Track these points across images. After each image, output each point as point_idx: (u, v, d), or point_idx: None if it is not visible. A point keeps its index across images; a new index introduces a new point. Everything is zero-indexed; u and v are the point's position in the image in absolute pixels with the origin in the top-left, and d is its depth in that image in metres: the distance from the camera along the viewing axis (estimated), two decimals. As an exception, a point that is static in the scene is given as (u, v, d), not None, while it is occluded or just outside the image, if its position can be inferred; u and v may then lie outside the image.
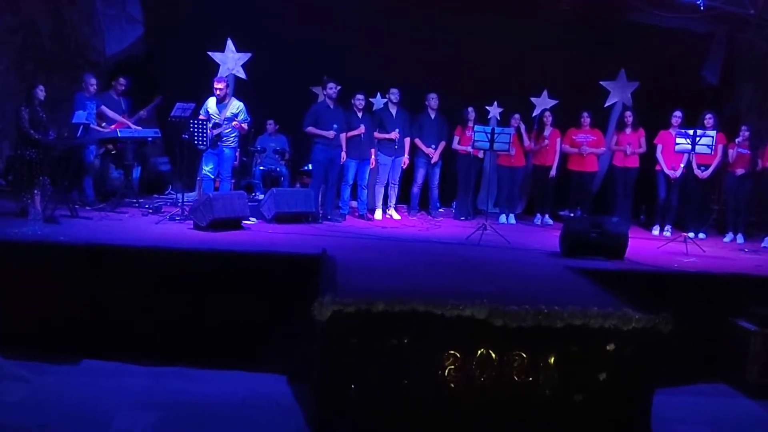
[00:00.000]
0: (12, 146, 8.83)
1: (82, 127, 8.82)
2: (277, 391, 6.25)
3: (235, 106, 9.49)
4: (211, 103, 9.43)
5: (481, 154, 10.74)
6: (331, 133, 9.62)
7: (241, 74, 11.75)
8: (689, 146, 9.00)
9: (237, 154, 10.15)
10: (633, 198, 10.84)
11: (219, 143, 9.33)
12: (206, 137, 9.04)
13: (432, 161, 10.80)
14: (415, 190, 11.00)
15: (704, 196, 10.45)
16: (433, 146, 10.74)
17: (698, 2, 10.25)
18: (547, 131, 10.86)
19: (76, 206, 8.85)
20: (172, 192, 11.43)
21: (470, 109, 10.94)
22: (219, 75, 11.06)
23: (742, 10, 10.49)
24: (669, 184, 10.32)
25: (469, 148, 10.31)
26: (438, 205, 11.16)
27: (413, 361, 5.13)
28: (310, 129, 9.73)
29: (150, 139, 10.15)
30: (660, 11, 10.89)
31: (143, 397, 5.96)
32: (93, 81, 9.67)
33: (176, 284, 6.78)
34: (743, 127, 10.02)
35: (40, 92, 8.51)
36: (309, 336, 5.52)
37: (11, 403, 5.62)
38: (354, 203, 10.50)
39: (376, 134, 10.36)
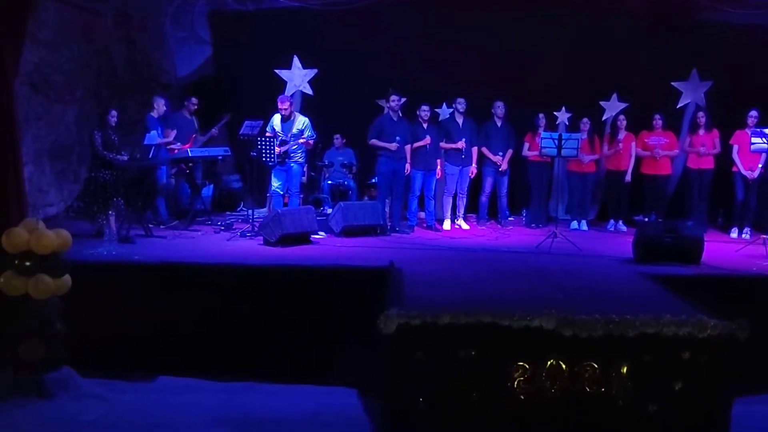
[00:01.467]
0: (88, 169, 9.08)
1: (154, 147, 9.06)
2: (347, 404, 6.29)
3: (301, 122, 9.59)
4: (277, 120, 9.56)
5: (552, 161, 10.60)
6: (393, 145, 9.62)
7: (308, 90, 11.87)
8: (765, 145, 8.71)
9: (305, 169, 10.26)
10: (709, 200, 10.52)
11: (287, 159, 9.45)
12: (274, 154, 9.17)
13: (500, 169, 10.70)
14: (484, 199, 10.92)
15: (784, 196, 10.10)
16: (501, 154, 10.65)
17: (770, -4, 9.92)
18: (621, 135, 10.65)
19: (150, 225, 9.05)
20: (243, 209, 11.62)
21: (541, 115, 10.80)
22: (286, 91, 11.22)
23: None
24: (747, 185, 10.01)
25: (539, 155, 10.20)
26: (507, 213, 11.05)
27: (481, 373, 5.06)
28: (374, 141, 9.77)
29: (220, 157, 10.33)
30: (731, 8, 10.57)
31: (216, 412, 6.06)
32: (162, 102, 9.91)
33: (247, 300, 6.89)
34: (823, 124, 9.65)
35: (112, 118, 8.85)
36: (378, 349, 5.52)
37: (89, 421, 5.78)
38: (422, 214, 10.48)
39: (443, 144, 10.32)
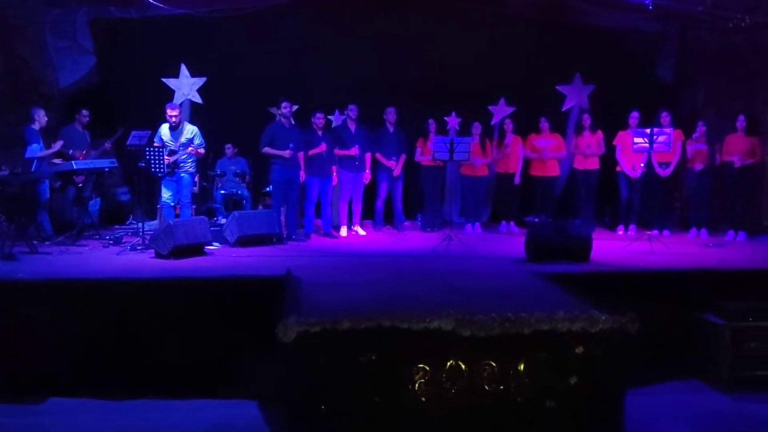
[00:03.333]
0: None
1: (36, 161, 8.69)
2: (248, 415, 6.17)
3: (190, 131, 9.38)
4: (165, 130, 9.32)
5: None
6: (287, 153, 9.53)
7: (197, 99, 11.68)
8: (647, 145, 9.06)
9: (196, 179, 10.06)
10: (596, 200, 10.89)
11: (176, 170, 9.23)
12: (163, 164, 8.94)
13: (394, 175, 10.77)
14: (379, 204, 10.97)
15: (666, 193, 10.57)
16: (394, 159, 10.72)
17: (646, 1, 10.34)
18: (509, 138, 10.89)
19: (35, 242, 8.66)
20: (133, 221, 11.29)
21: (431, 120, 10.95)
22: (174, 101, 10.98)
23: (691, 7, 10.61)
24: (630, 184, 10.41)
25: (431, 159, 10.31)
26: (403, 218, 11.13)
27: (383, 377, 5.05)
28: (267, 150, 9.65)
29: (107, 169, 9.99)
30: (608, 12, 10.99)
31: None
32: (42, 113, 9.53)
33: (140, 315, 6.66)
34: (699, 123, 10.14)
35: None
36: (278, 359, 5.44)
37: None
38: (319, 222, 10.43)
39: (337, 151, 10.31)
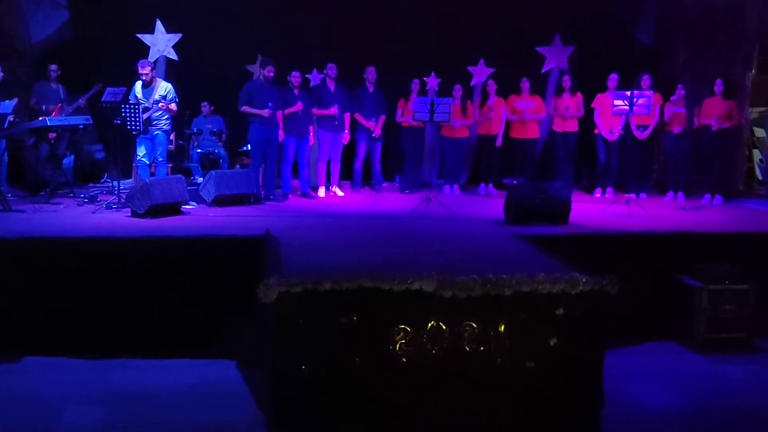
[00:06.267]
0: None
1: (8, 117, 8.52)
2: (227, 376, 6.17)
3: (163, 87, 9.18)
4: (138, 87, 9.12)
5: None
6: (266, 112, 9.41)
7: (173, 55, 11.47)
8: (627, 107, 9.06)
9: (171, 137, 9.92)
10: (574, 162, 10.90)
11: (150, 127, 9.06)
12: (139, 121, 8.78)
13: (373, 135, 10.69)
14: (358, 165, 10.90)
15: (644, 156, 10.60)
16: (374, 120, 10.64)
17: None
18: (492, 100, 10.83)
19: (9, 198, 8.53)
20: (108, 180, 11.14)
21: (415, 80, 10.85)
22: (149, 57, 10.79)
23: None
24: (608, 147, 10.43)
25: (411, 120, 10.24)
26: (381, 179, 11.09)
27: (364, 337, 5.04)
28: (245, 108, 9.52)
29: (81, 126, 9.81)
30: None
31: (88, 390, 5.82)
32: None
33: (117, 274, 6.58)
34: (679, 86, 10.13)
35: None
36: (257, 319, 5.41)
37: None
38: (296, 182, 10.35)
39: (315, 111, 10.21)
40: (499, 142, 10.85)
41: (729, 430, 5.37)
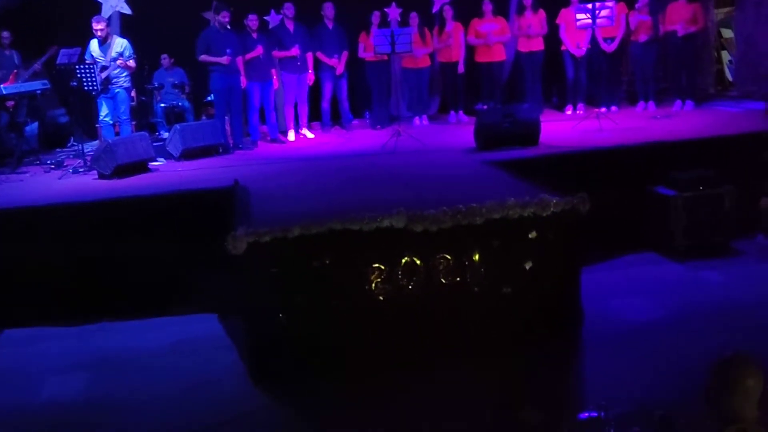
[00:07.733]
0: None
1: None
2: (209, 329, 6.15)
3: (119, 44, 8.94)
4: (94, 45, 8.89)
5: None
6: (225, 59, 9.18)
7: (126, 10, 11.13)
8: (590, 21, 8.93)
9: (132, 94, 9.69)
10: (542, 81, 10.77)
11: (110, 86, 8.86)
12: (96, 81, 8.58)
13: (337, 73, 10.50)
14: (325, 105, 10.73)
15: (612, 69, 10.49)
16: (336, 57, 10.44)
17: None
18: (449, 26, 10.62)
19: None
20: (74, 143, 10.93)
21: (375, 12, 10.59)
22: (101, 14, 10.49)
23: None
24: (576, 63, 10.31)
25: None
26: (350, 117, 10.94)
27: (338, 280, 5.04)
28: (204, 57, 9.28)
29: (38, 91, 9.58)
30: None
31: (70, 357, 5.80)
32: None
33: (88, 239, 6.50)
34: (642, -7, 9.97)
35: None
36: (233, 270, 5.36)
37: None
38: (264, 128, 10.20)
39: (276, 53, 9.99)
40: (461, 69, 10.66)
41: (712, 333, 5.39)
